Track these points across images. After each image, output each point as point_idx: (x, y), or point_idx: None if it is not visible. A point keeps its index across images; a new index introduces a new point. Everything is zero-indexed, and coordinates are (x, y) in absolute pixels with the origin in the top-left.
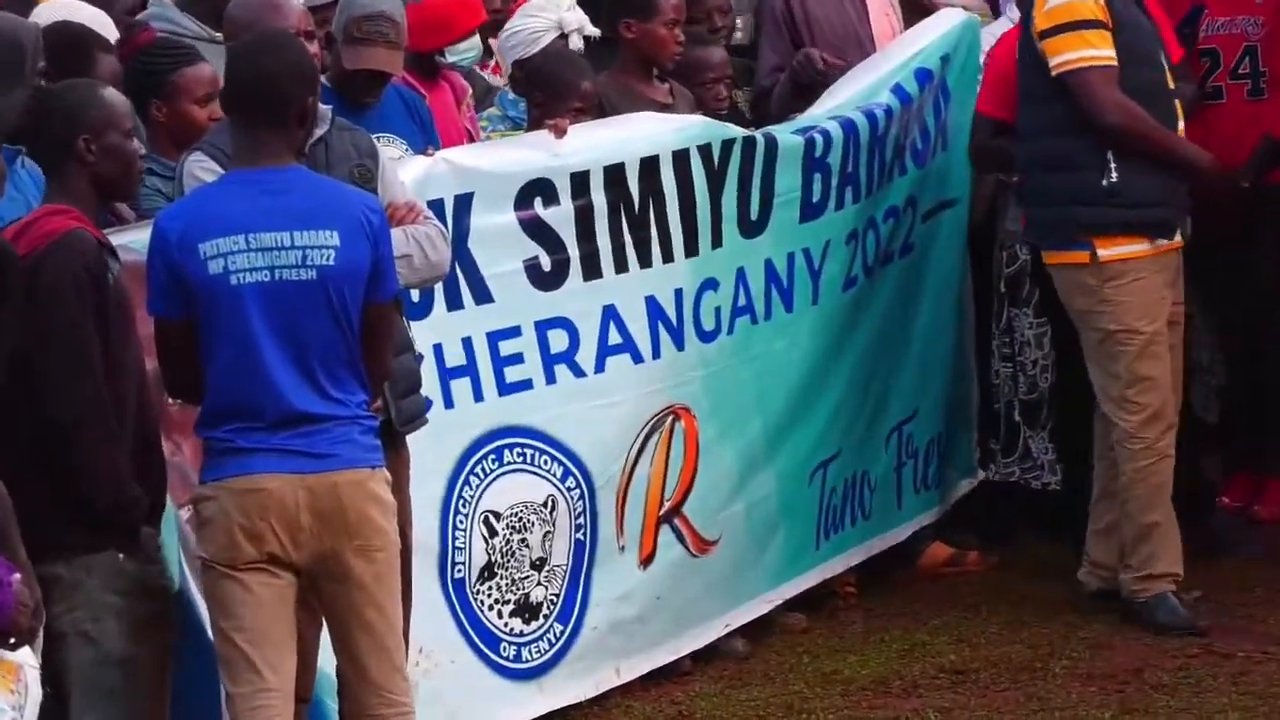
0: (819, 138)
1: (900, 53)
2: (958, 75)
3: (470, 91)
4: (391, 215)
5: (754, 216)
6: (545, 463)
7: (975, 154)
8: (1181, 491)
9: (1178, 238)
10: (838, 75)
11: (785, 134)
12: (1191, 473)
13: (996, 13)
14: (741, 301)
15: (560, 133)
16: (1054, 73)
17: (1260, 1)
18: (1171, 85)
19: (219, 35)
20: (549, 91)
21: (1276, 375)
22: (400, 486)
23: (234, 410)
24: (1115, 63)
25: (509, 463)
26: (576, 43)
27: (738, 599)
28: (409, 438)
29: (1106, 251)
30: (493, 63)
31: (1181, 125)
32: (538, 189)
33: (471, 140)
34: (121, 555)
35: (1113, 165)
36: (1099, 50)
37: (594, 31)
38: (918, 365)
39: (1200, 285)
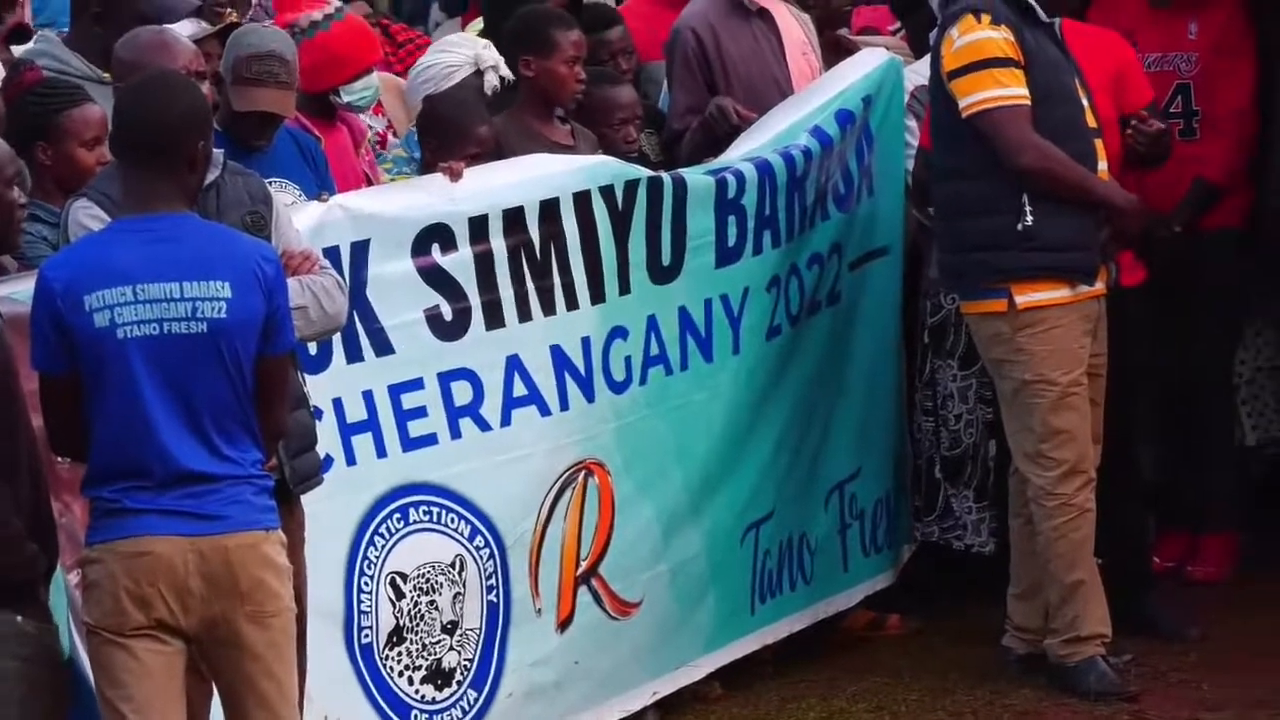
0: (731, 179)
1: (819, 94)
2: (881, 118)
3: (369, 133)
4: (286, 264)
5: (666, 262)
6: (452, 521)
7: (913, 190)
8: (1110, 550)
9: (1099, 284)
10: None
11: (695, 175)
12: (1123, 531)
13: (919, 53)
14: (654, 351)
15: (455, 176)
16: (964, 114)
17: (1194, 36)
18: (1091, 124)
19: (107, 76)
20: (443, 137)
21: (1214, 429)
22: (295, 548)
23: (121, 469)
24: (1028, 101)
25: (415, 521)
26: (492, 80)
27: (666, 665)
28: (306, 497)
29: (1024, 298)
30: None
31: (1103, 166)
32: (435, 235)
33: (371, 185)
34: (19, 618)
35: (1028, 208)
36: (1010, 89)
37: (509, 74)
38: (857, 422)
39: (1136, 334)
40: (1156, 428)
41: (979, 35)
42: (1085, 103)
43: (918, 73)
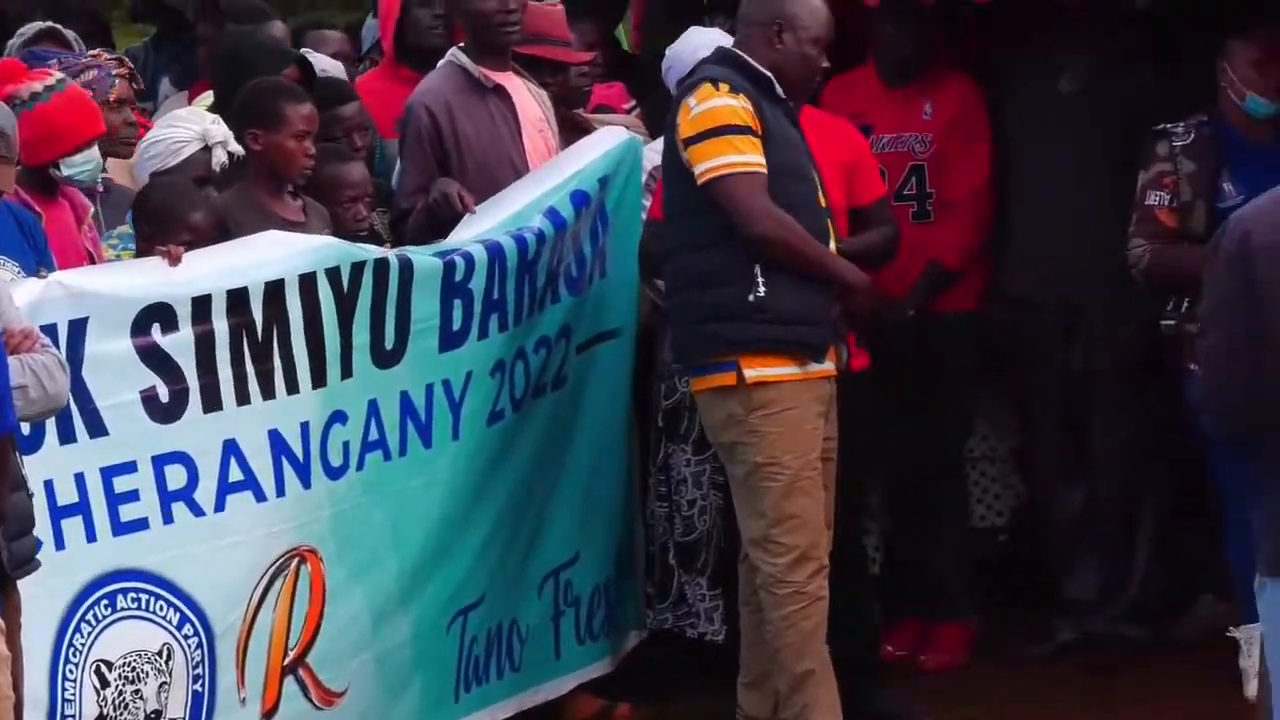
0: (460, 261)
1: (555, 173)
2: (618, 199)
3: (92, 209)
4: (6, 343)
5: (389, 345)
6: (161, 609)
7: (640, 262)
8: (839, 638)
9: (829, 364)
10: None
11: (423, 256)
12: (852, 619)
13: (654, 133)
14: (374, 436)
15: (174, 260)
16: (699, 181)
17: (929, 117)
18: (823, 203)
19: None
20: (155, 224)
21: (946, 515)
22: (12, 634)
23: None
24: (764, 170)
25: (123, 608)
26: (220, 156)
27: None
28: (20, 582)
29: (753, 372)
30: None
31: (834, 245)
32: (156, 314)
33: (94, 262)
34: None
35: (760, 279)
36: (747, 156)
37: (238, 149)
38: (577, 507)
39: (865, 418)
40: (887, 514)
41: (717, 102)
42: (818, 182)
43: (655, 151)
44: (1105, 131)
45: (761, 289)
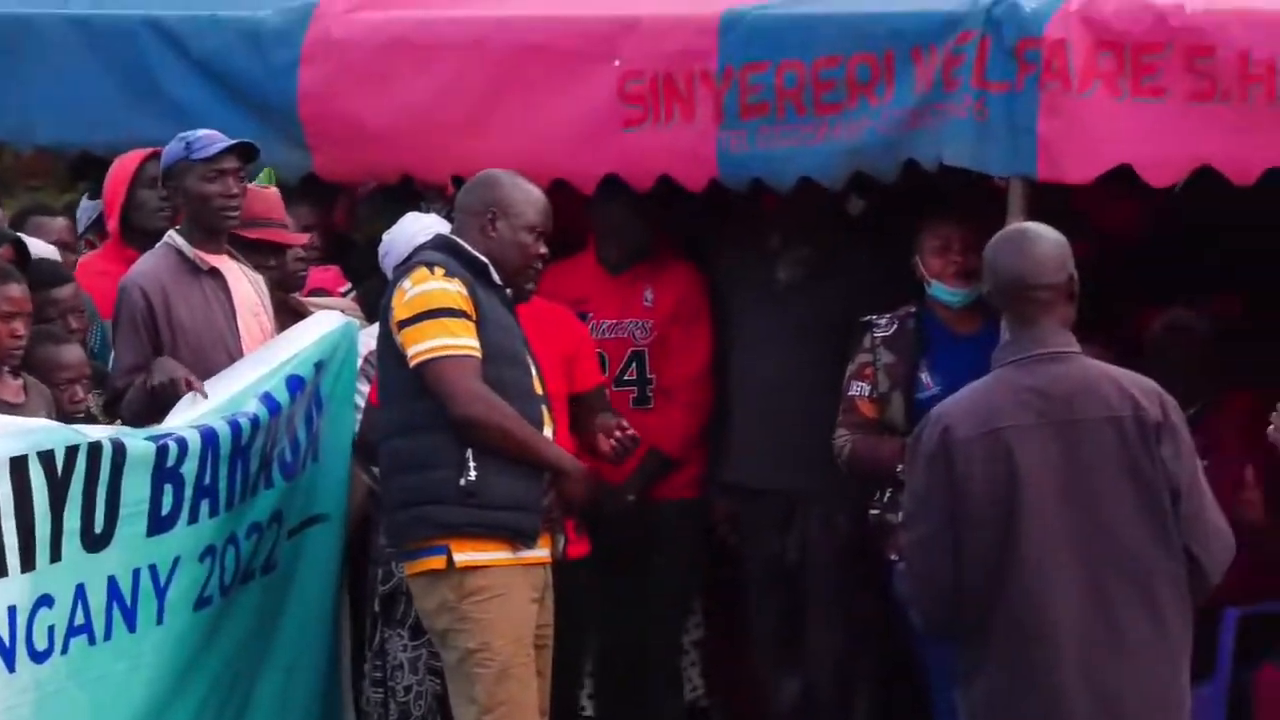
0: (174, 445)
1: (270, 358)
2: (332, 383)
3: None
4: None
5: (99, 529)
6: None
7: (358, 449)
8: None
9: (542, 550)
10: None
11: (136, 440)
12: None
13: (371, 317)
14: (79, 620)
15: None
16: (412, 363)
17: (649, 304)
18: (538, 389)
19: None
20: None
21: (664, 702)
22: None
23: None
24: (478, 354)
25: None
26: None
27: None
28: None
29: (463, 556)
30: None
31: (549, 431)
32: None
33: None
34: None
35: (471, 463)
36: (459, 339)
37: None
38: (279, 691)
39: (584, 605)
40: (602, 699)
41: (431, 286)
42: (533, 369)
43: (371, 335)
44: (822, 321)
45: (473, 473)
